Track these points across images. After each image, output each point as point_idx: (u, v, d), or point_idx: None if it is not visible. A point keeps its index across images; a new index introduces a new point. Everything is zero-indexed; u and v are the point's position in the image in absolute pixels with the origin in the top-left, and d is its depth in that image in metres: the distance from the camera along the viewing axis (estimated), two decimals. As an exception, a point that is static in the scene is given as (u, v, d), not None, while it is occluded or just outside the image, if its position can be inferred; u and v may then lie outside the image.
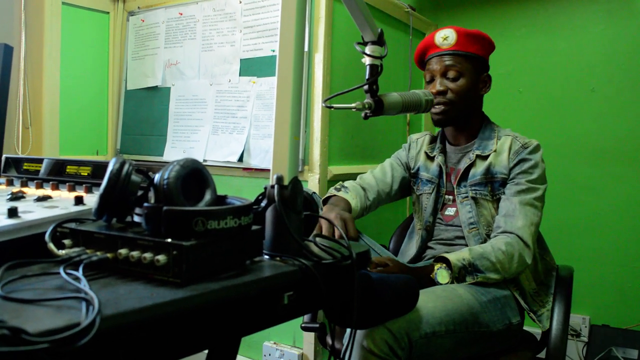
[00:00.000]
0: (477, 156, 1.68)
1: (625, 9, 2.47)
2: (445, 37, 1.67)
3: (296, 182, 0.86)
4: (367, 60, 1.29)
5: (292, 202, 0.84)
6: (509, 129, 1.73)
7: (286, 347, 2.20)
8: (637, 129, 2.43)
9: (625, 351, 2.32)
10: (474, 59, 1.68)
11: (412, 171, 1.84)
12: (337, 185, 1.75)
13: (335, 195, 1.68)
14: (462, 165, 1.70)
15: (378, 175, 1.83)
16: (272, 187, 0.84)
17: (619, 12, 2.48)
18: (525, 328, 1.63)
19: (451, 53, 1.67)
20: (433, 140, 1.84)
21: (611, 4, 2.49)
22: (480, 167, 1.66)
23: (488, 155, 1.67)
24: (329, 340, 1.62)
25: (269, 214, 0.84)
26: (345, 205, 1.62)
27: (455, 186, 1.71)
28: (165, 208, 0.69)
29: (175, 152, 2.52)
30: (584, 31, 2.56)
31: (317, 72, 2.09)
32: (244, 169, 2.29)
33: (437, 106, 1.67)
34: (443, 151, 1.78)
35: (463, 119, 1.71)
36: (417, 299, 1.24)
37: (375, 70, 1.29)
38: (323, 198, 1.69)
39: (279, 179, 0.84)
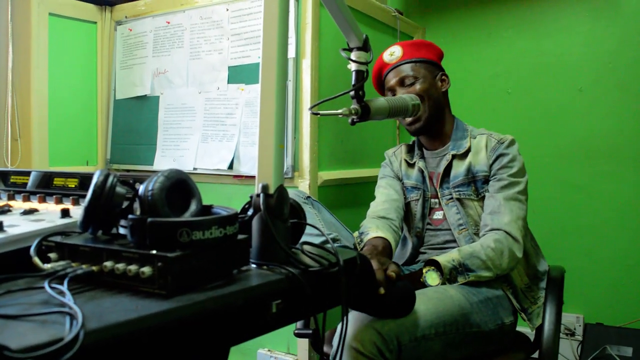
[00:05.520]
0: (453, 156, 1.70)
1: (610, 9, 2.49)
2: (392, 52, 1.78)
3: (282, 191, 0.86)
4: (352, 66, 1.30)
5: (278, 210, 0.84)
6: (483, 128, 1.76)
7: (280, 354, 2.19)
8: (625, 128, 2.45)
9: (620, 349, 2.33)
10: (424, 62, 1.75)
11: (401, 181, 1.85)
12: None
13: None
14: (441, 168, 1.73)
15: (385, 198, 1.79)
16: (258, 195, 0.84)
17: (604, 12, 2.50)
18: (518, 329, 1.64)
19: (402, 63, 1.75)
20: (410, 149, 1.86)
21: (596, 4, 2.52)
22: (460, 168, 1.68)
23: (464, 154, 1.69)
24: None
25: (255, 222, 0.84)
26: (384, 244, 1.58)
27: (438, 189, 1.73)
28: (149, 219, 0.69)
29: (165, 160, 2.51)
30: (570, 32, 2.58)
31: (305, 78, 2.10)
32: (235, 176, 2.29)
33: (408, 117, 1.66)
34: (422, 157, 1.80)
35: (436, 121, 1.74)
36: (412, 306, 1.26)
37: (361, 76, 1.30)
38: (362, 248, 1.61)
39: (265, 188, 0.84)
